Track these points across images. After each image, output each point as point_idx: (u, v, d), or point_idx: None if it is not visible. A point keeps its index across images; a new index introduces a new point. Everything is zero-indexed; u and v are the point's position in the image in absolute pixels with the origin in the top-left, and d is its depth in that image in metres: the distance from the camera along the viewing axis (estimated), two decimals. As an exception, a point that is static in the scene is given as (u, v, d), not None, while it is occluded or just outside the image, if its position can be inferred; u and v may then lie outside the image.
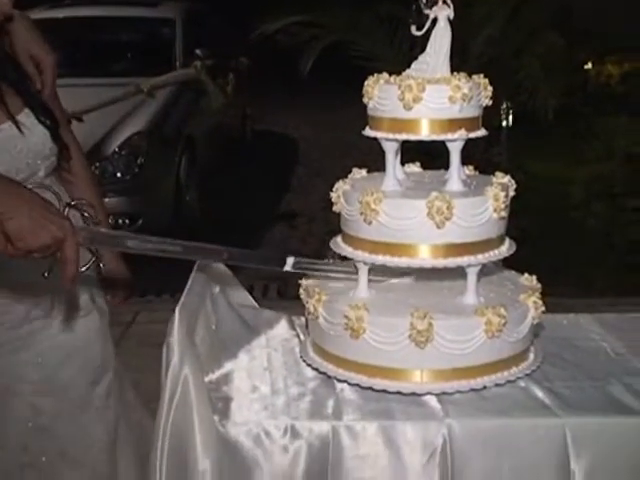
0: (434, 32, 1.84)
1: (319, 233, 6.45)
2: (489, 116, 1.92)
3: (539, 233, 5.59)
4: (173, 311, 1.67)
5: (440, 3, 1.84)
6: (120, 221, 5.74)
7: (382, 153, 1.86)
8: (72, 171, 2.14)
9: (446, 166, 1.87)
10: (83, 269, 1.59)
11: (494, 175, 1.89)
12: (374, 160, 1.97)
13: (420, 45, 1.87)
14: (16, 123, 1.94)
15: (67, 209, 1.60)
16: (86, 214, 1.64)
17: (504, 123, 5.80)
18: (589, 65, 9.91)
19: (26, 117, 1.97)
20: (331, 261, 1.89)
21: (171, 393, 1.58)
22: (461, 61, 1.89)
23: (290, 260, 1.85)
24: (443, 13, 1.84)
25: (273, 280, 5.59)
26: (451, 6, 1.84)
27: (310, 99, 11.05)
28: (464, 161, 1.89)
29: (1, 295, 1.99)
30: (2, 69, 1.98)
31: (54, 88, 2.13)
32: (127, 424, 2.21)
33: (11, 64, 2.01)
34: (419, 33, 1.86)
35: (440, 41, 1.83)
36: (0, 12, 1.89)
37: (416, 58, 1.87)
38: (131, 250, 1.68)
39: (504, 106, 5.50)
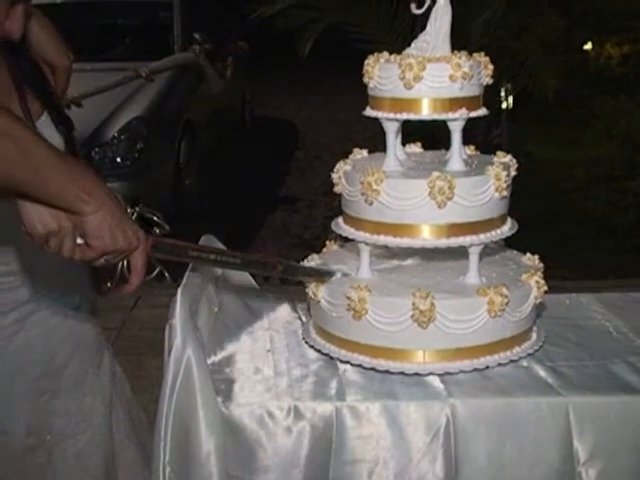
0: (434, 10, 1.83)
1: (320, 217, 6.45)
2: (489, 98, 1.91)
3: (539, 215, 5.58)
4: (174, 296, 1.66)
5: (440, -19, 1.83)
6: (121, 206, 5.73)
7: (383, 135, 1.86)
8: None
9: (447, 148, 1.86)
10: (151, 277, 1.58)
11: (495, 155, 1.89)
12: (377, 143, 1.96)
13: (420, 26, 1.86)
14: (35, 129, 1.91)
15: (135, 215, 1.57)
16: (153, 221, 1.62)
17: (504, 105, 5.77)
18: (588, 46, 9.86)
19: (44, 123, 1.94)
20: None
21: (174, 375, 1.58)
22: (461, 43, 1.87)
23: (338, 274, 1.85)
24: (443, -9, 1.82)
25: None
26: (451, -16, 1.83)
27: (310, 83, 11.03)
28: (465, 143, 1.88)
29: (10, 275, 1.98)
30: (25, 74, 1.94)
31: (65, 92, 2.10)
32: (119, 397, 2.23)
33: (33, 69, 1.97)
34: (419, 11, 1.85)
35: (440, 19, 1.82)
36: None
37: (417, 38, 1.86)
38: (193, 260, 1.67)
39: (504, 88, 5.47)
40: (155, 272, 1.63)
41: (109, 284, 1.53)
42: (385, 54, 1.83)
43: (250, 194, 7.15)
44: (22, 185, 1.40)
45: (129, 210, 1.55)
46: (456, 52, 1.80)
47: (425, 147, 2.06)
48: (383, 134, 1.86)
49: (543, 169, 6.65)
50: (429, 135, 2.79)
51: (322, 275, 1.84)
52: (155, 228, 1.61)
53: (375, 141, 1.89)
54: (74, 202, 1.42)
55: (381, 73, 1.79)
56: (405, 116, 1.78)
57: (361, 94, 1.87)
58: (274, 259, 1.82)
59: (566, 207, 6.30)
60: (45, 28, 2.04)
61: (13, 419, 2.06)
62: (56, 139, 1.95)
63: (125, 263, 1.52)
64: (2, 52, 1.91)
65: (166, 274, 1.72)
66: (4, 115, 1.40)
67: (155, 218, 1.62)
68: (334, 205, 1.96)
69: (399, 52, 1.83)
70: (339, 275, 1.84)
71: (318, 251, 2.01)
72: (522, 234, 1.85)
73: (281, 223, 6.67)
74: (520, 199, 2.07)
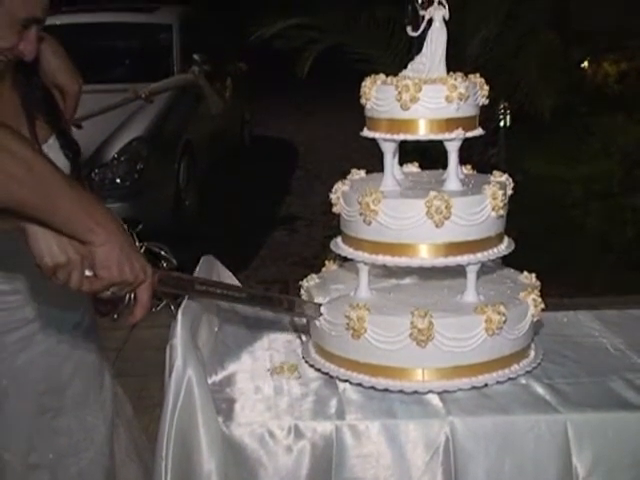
0: (430, 33, 1.85)
1: (319, 236, 6.46)
2: (486, 117, 1.93)
3: (537, 232, 5.59)
4: (175, 315, 1.68)
5: (435, 4, 1.86)
6: (120, 227, 5.74)
7: (381, 155, 1.88)
8: None
9: (444, 167, 1.88)
10: (157, 309, 1.59)
11: (492, 174, 1.91)
12: (374, 163, 1.98)
13: (417, 47, 1.88)
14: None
15: (143, 248, 1.57)
16: (160, 256, 1.64)
17: (501, 123, 5.80)
18: (585, 64, 9.92)
19: (51, 147, 1.96)
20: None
21: (175, 395, 1.59)
22: (458, 63, 1.90)
23: None
24: (438, 14, 1.85)
25: (273, 282, 5.60)
26: (446, 7, 1.85)
27: (309, 102, 11.08)
28: (462, 162, 1.90)
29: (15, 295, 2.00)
30: (38, 99, 1.97)
31: (74, 116, 2.12)
32: (120, 417, 2.24)
33: (43, 93, 1.99)
34: (415, 34, 1.87)
35: (436, 41, 1.85)
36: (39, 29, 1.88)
37: (413, 59, 1.88)
38: (199, 295, 1.69)
39: (501, 106, 5.50)
40: (161, 305, 1.65)
41: (115, 315, 1.55)
42: (382, 76, 1.85)
43: (250, 213, 7.17)
44: (31, 208, 1.42)
45: (137, 244, 1.56)
46: (452, 73, 1.82)
47: (422, 166, 2.08)
48: (381, 154, 1.88)
49: (541, 186, 6.66)
50: (426, 154, 2.81)
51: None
52: (162, 262, 1.63)
53: (374, 160, 1.91)
54: (83, 231, 1.44)
55: (378, 94, 1.82)
56: (402, 137, 1.80)
57: (359, 113, 1.89)
58: (279, 295, 1.84)
59: (564, 224, 6.32)
60: (57, 52, 2.06)
61: (16, 435, 2.07)
62: (62, 163, 1.97)
63: (132, 295, 1.54)
64: (14, 76, 1.93)
65: (172, 307, 1.74)
66: (18, 139, 1.42)
67: (162, 252, 1.64)
68: (333, 224, 1.98)
69: (397, 71, 1.86)
70: None
71: (317, 270, 2.03)
72: (520, 251, 1.87)
73: (281, 242, 6.68)
74: (517, 216, 2.08)
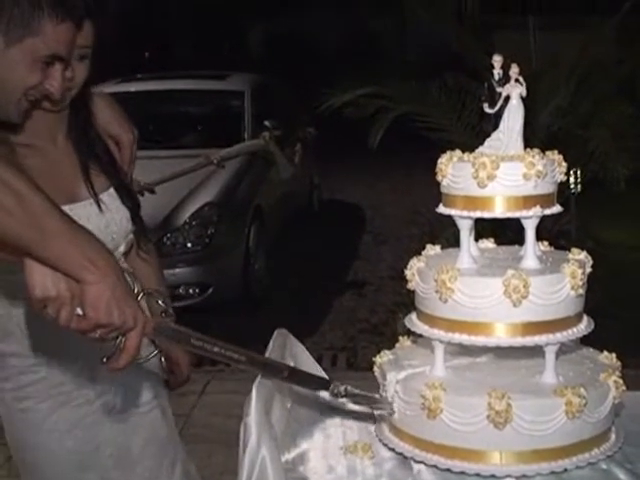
0: (507, 110, 1.85)
1: (387, 302, 6.43)
2: (559, 185, 1.91)
3: (611, 302, 5.47)
4: (243, 381, 1.66)
5: (512, 81, 1.86)
6: (190, 291, 5.81)
7: (449, 222, 1.87)
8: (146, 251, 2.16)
9: (520, 240, 1.86)
10: (142, 361, 1.58)
11: (569, 251, 1.88)
12: (440, 229, 1.98)
13: (488, 117, 1.88)
14: (97, 202, 1.98)
15: (142, 296, 1.56)
16: (160, 303, 1.63)
17: (573, 191, 5.74)
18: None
19: (109, 196, 2.01)
20: (377, 395, 1.84)
21: (249, 473, 1.59)
22: (530, 132, 1.89)
23: (341, 388, 1.80)
24: (516, 91, 1.85)
25: (341, 350, 5.58)
26: (524, 84, 1.85)
27: (376, 167, 11.12)
28: (537, 233, 1.87)
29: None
30: (92, 149, 2.03)
31: (132, 167, 2.16)
32: None
33: (101, 144, 2.06)
34: (492, 111, 1.87)
35: (513, 118, 1.85)
36: (75, 83, 1.92)
37: (483, 130, 1.88)
38: (194, 350, 1.65)
39: (574, 175, 5.45)
40: (151, 356, 1.63)
41: (104, 360, 1.52)
42: (458, 152, 1.86)
43: (318, 278, 7.18)
44: (20, 240, 1.42)
45: (136, 291, 1.54)
46: (529, 150, 1.81)
47: (496, 235, 2.06)
48: (449, 223, 1.87)
49: (613, 254, 6.54)
50: (500, 226, 2.79)
51: (325, 387, 1.81)
52: (161, 313, 1.61)
53: (441, 226, 1.91)
54: (75, 268, 1.44)
55: (454, 172, 1.81)
56: (479, 214, 1.80)
57: (426, 180, 1.88)
58: (280, 363, 1.80)
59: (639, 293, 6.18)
60: (110, 105, 2.13)
61: None
62: (122, 212, 2.01)
63: (123, 340, 1.51)
64: (68, 126, 1.99)
65: (162, 359, 1.70)
66: (13, 171, 1.42)
67: (160, 302, 1.63)
68: (402, 290, 1.96)
69: (468, 140, 1.86)
70: (342, 388, 1.79)
71: (385, 337, 2.01)
72: (595, 321, 1.82)
73: (348, 307, 6.66)
74: (591, 285, 2.04)
